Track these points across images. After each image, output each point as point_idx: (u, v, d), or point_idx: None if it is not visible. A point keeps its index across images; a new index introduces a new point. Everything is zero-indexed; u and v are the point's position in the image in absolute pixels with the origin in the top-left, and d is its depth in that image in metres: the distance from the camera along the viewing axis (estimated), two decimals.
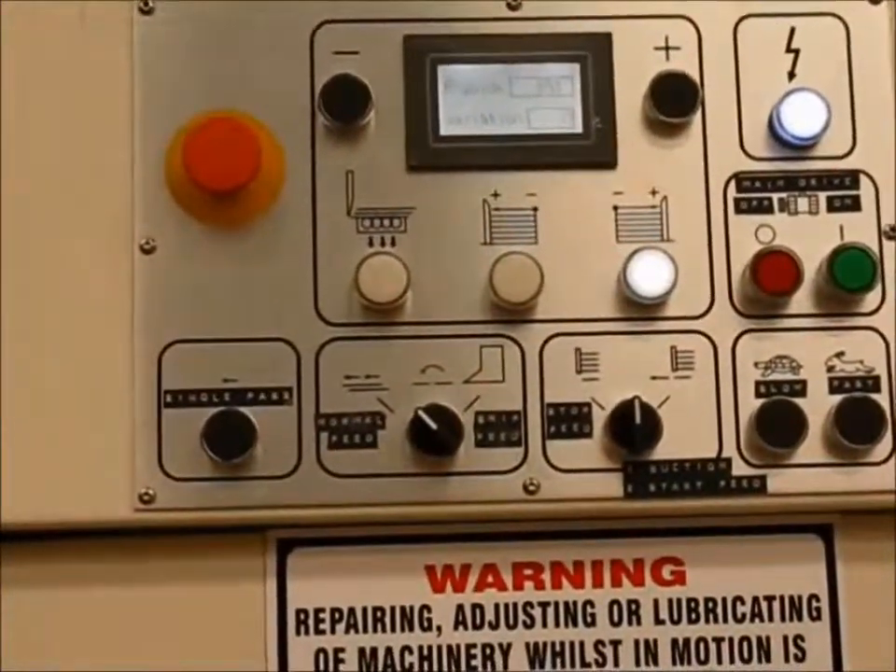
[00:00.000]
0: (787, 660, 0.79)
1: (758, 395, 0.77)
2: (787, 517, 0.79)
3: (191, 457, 0.76)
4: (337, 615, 0.79)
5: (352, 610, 0.79)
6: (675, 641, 0.79)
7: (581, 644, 0.79)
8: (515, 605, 0.79)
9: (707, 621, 0.79)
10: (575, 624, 0.79)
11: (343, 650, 0.78)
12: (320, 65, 0.79)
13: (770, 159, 0.79)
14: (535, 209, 0.79)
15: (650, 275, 0.77)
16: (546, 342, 0.78)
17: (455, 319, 0.78)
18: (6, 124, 0.78)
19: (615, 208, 0.79)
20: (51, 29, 0.79)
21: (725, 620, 0.79)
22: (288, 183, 0.78)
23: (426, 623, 0.79)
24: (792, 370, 0.78)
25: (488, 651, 0.79)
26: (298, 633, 0.78)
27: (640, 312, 0.78)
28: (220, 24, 0.79)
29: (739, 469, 0.77)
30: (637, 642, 0.79)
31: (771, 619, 0.79)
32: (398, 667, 0.78)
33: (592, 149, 0.79)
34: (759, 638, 0.79)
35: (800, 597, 0.79)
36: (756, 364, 0.78)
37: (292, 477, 0.76)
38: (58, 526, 0.76)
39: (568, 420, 0.77)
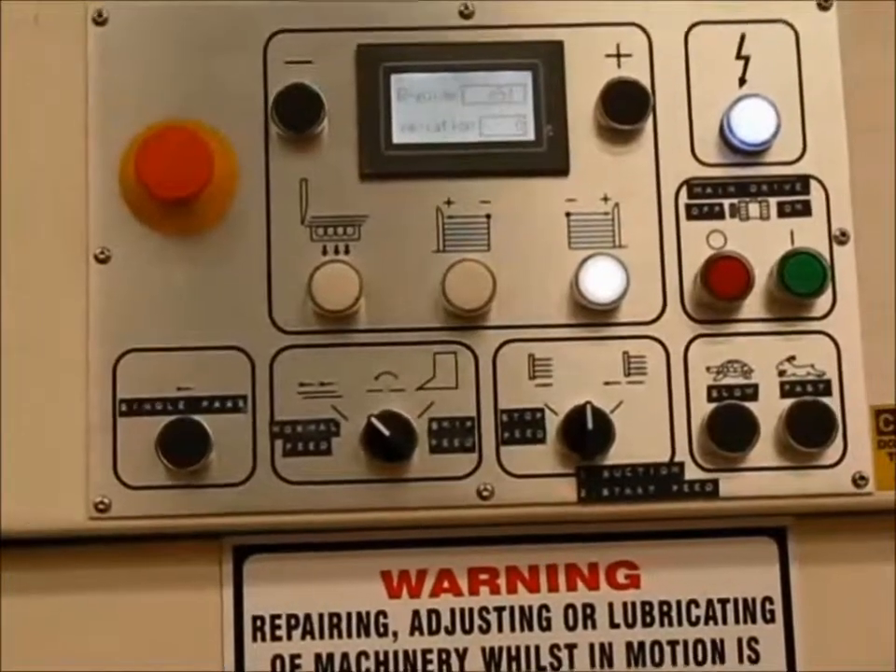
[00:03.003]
0: (741, 661, 0.80)
1: (710, 399, 0.78)
2: (740, 520, 0.80)
3: (146, 465, 0.76)
4: (293, 621, 0.79)
5: (308, 616, 0.79)
6: (630, 645, 0.80)
7: (537, 648, 0.79)
8: (471, 610, 0.80)
9: (661, 624, 0.80)
10: (531, 629, 0.80)
11: (299, 656, 0.79)
12: (274, 74, 0.79)
13: (721, 165, 0.80)
14: (488, 216, 0.79)
15: (602, 281, 0.78)
16: (499, 348, 0.78)
17: (408, 326, 0.78)
18: None
19: (567, 215, 0.79)
20: (5, 35, 0.80)
21: (680, 623, 0.80)
22: (242, 192, 0.78)
23: (382, 629, 0.79)
24: (744, 374, 0.78)
25: (444, 655, 0.79)
26: (254, 639, 0.79)
27: (593, 318, 0.78)
28: (174, 34, 0.80)
29: (692, 473, 0.78)
30: (592, 646, 0.80)
31: (725, 621, 0.80)
32: None
33: (544, 156, 0.79)
34: (713, 641, 0.80)
35: (754, 600, 0.80)
36: (708, 369, 0.78)
37: (247, 484, 0.77)
38: (13, 535, 0.76)
39: (522, 425, 0.78)
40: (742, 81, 0.81)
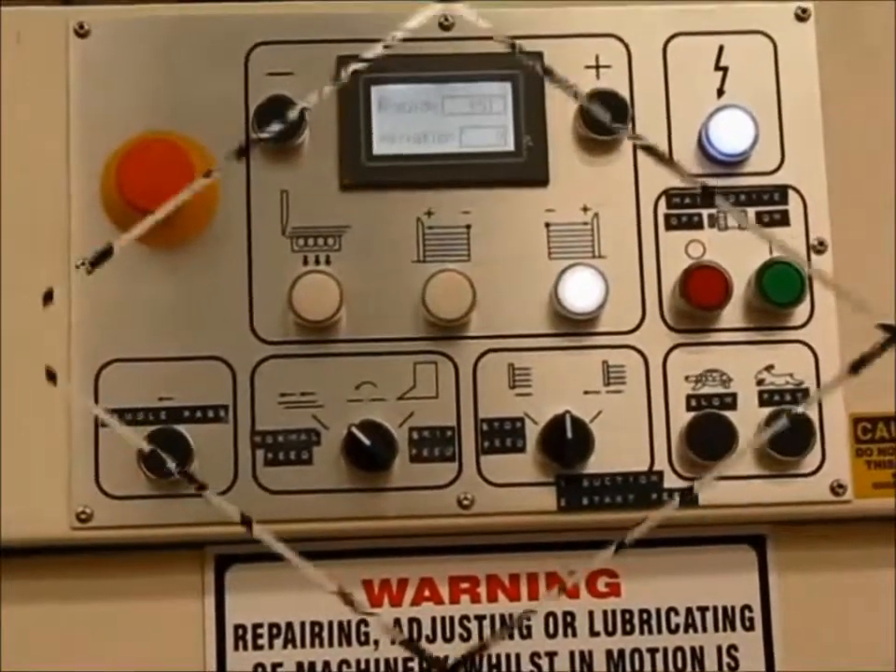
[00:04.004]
0: (720, 669, 0.80)
1: (689, 408, 0.78)
2: (719, 528, 0.80)
3: (128, 475, 0.76)
4: (275, 630, 0.79)
5: (290, 625, 0.79)
6: (610, 653, 0.80)
7: (517, 656, 0.80)
8: (452, 618, 0.80)
9: (641, 632, 0.80)
10: (511, 637, 0.80)
11: (281, 664, 0.79)
12: (255, 86, 0.80)
13: (700, 175, 0.80)
14: (468, 227, 0.79)
15: (581, 291, 0.78)
16: (479, 357, 0.78)
17: (389, 336, 0.78)
18: None
19: (547, 225, 0.80)
20: None
21: (660, 631, 0.80)
22: (223, 203, 0.79)
23: (363, 638, 0.80)
24: (723, 383, 0.79)
25: (426, 664, 0.79)
26: (236, 648, 0.79)
27: (572, 327, 0.79)
28: (156, 47, 0.80)
29: (671, 481, 0.78)
30: (572, 654, 0.80)
31: (705, 629, 0.80)
32: None
33: (524, 167, 0.80)
34: (693, 649, 0.80)
35: (733, 608, 0.80)
36: (687, 378, 0.79)
37: (229, 494, 0.77)
38: None
39: (502, 435, 0.78)
40: (720, 92, 0.81)
